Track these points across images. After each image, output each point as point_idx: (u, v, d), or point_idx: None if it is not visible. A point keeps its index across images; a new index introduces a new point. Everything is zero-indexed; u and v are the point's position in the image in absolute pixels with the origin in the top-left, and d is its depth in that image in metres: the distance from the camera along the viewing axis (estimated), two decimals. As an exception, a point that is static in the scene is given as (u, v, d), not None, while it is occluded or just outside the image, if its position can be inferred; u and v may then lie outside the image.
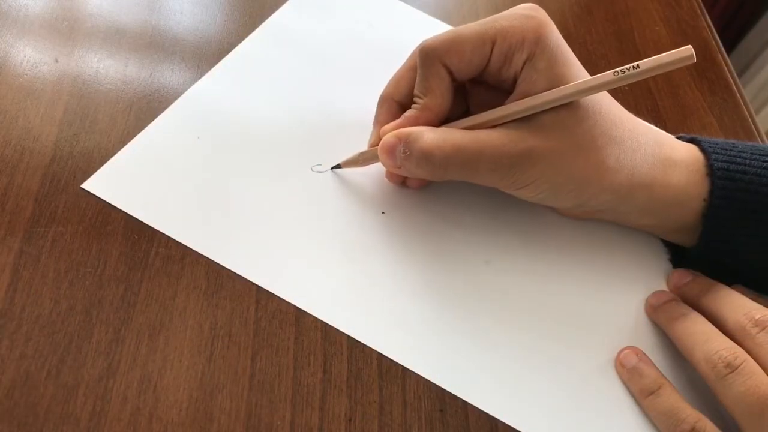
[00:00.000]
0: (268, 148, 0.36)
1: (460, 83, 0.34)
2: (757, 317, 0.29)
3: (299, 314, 0.31)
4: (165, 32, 0.40)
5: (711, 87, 0.45)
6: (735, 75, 0.47)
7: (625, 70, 0.29)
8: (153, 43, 0.40)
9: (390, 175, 0.36)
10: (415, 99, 0.32)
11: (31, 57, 0.37)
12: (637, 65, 0.29)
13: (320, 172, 0.36)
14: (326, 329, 0.31)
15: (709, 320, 0.31)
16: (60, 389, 0.27)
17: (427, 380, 0.30)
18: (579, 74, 0.31)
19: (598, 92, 0.30)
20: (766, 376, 0.27)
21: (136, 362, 0.28)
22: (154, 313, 0.30)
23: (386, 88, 0.35)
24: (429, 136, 0.31)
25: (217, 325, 0.30)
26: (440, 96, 0.32)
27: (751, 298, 0.31)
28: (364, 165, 0.35)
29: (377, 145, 0.33)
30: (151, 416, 0.27)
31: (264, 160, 0.36)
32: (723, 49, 0.49)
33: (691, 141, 0.35)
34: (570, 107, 0.30)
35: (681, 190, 0.32)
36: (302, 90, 0.39)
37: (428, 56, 0.31)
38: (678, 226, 0.34)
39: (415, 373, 0.30)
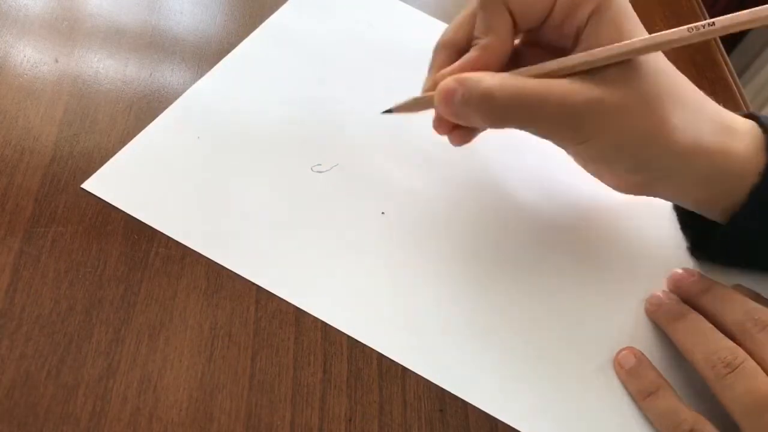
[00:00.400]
0: (268, 148, 0.36)
1: (521, 33, 0.32)
2: (757, 317, 0.29)
3: (299, 314, 0.31)
4: (165, 32, 0.40)
5: (711, 87, 0.45)
6: (735, 75, 0.47)
7: (700, 27, 0.28)
8: (153, 43, 0.40)
9: (438, 124, 0.33)
10: (475, 41, 0.31)
11: (31, 57, 0.37)
12: (713, 22, 0.27)
13: (320, 172, 0.36)
14: (326, 329, 0.31)
15: (709, 320, 0.31)
16: (60, 389, 0.27)
17: (427, 380, 0.30)
18: (643, 31, 0.30)
19: (668, 48, 0.29)
20: (766, 376, 0.27)
21: (136, 362, 0.28)
22: (154, 313, 0.30)
23: (444, 34, 0.33)
24: (490, 79, 0.29)
25: (217, 325, 0.30)
26: (502, 35, 0.30)
27: (751, 298, 0.31)
28: (418, 111, 0.33)
29: (432, 90, 0.31)
30: (151, 416, 0.27)
31: (264, 160, 0.36)
32: (723, 49, 0.49)
33: (748, 116, 0.33)
34: (634, 63, 0.29)
35: (741, 159, 0.31)
36: (302, 90, 0.39)
37: None
38: (727, 203, 0.32)
39: (415, 373, 0.30)
